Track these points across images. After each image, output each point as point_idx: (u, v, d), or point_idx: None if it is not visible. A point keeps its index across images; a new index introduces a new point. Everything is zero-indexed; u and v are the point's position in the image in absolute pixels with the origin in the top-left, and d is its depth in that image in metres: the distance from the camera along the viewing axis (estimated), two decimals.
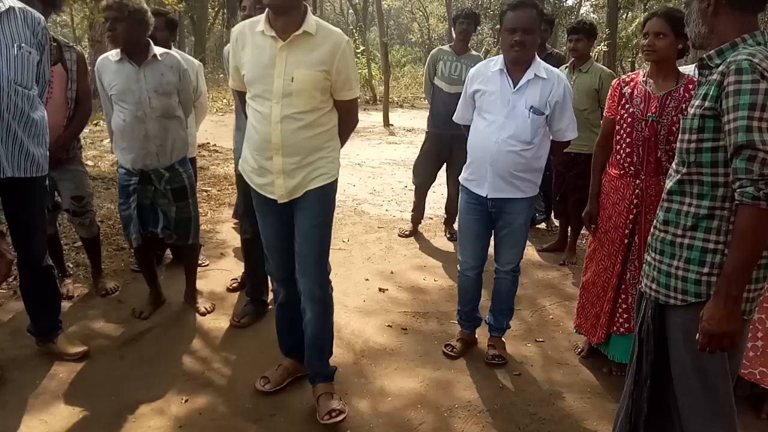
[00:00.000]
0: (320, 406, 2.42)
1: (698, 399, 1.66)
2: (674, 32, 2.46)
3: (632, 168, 2.64)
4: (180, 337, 3.10)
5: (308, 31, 2.15)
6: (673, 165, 1.70)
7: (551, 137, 2.77)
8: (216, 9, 24.65)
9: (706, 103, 1.55)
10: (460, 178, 2.92)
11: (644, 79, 2.64)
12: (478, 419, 2.52)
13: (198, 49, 20.03)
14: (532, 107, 2.62)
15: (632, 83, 2.67)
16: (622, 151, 2.68)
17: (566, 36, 4.27)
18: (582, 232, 4.69)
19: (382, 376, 2.81)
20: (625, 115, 2.64)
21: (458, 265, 3.01)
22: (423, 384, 2.76)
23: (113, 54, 2.97)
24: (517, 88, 2.64)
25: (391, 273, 4.13)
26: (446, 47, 4.76)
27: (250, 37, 2.24)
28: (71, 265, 3.80)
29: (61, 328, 2.84)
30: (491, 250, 2.98)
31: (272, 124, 2.20)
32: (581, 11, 32.89)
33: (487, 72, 2.73)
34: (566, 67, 4.29)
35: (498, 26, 2.77)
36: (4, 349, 2.80)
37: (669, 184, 1.70)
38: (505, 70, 2.67)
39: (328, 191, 2.37)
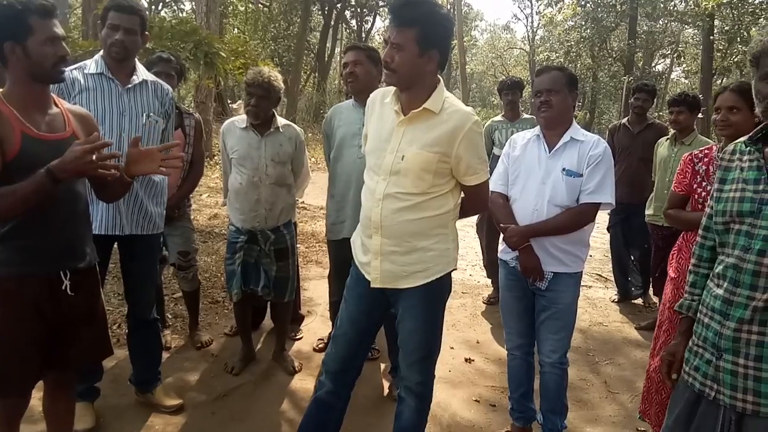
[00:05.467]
0: None
1: None
2: (749, 105, 2.26)
3: None
4: (268, 396, 3.13)
5: (429, 109, 2.00)
6: None
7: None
8: (308, 72, 26.14)
9: None
10: (498, 251, 2.72)
11: (719, 154, 2.46)
12: None
13: (290, 110, 21.14)
14: (564, 169, 2.48)
15: (706, 159, 2.48)
16: None
17: (667, 108, 4.16)
18: None
19: None
20: (703, 193, 2.43)
21: (505, 344, 2.79)
22: None
23: (239, 120, 3.18)
24: (552, 152, 2.52)
25: (477, 342, 4.02)
26: (498, 117, 4.81)
27: (379, 107, 2.15)
28: (169, 316, 3.97)
29: (160, 379, 2.95)
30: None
31: (374, 201, 2.07)
32: (671, 76, 32.07)
33: (524, 139, 2.65)
34: (667, 138, 4.17)
35: None
36: (106, 396, 2.91)
37: None
38: (542, 136, 2.58)
39: (434, 290, 2.12)
